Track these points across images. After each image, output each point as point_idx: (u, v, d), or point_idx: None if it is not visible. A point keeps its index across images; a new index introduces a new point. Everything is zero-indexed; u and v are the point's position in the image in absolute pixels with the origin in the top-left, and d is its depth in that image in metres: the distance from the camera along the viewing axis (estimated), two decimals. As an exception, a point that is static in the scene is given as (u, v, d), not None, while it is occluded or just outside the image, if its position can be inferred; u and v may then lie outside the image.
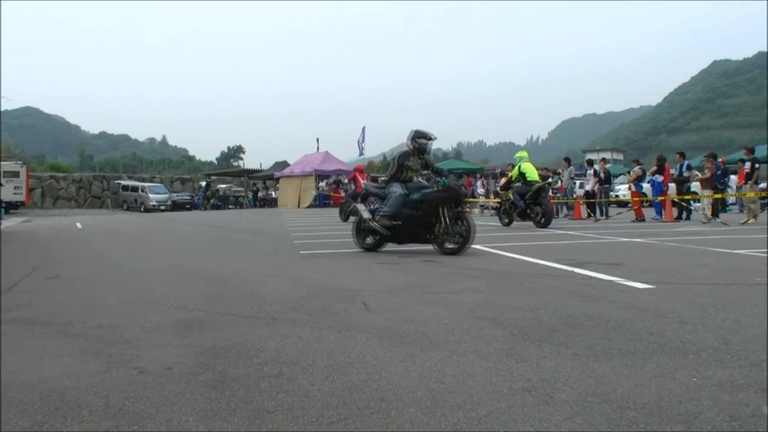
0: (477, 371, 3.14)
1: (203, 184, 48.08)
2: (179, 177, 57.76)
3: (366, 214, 9.32)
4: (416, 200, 8.86)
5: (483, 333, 3.94)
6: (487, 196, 26.48)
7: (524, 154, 16.85)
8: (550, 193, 19.80)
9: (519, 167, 15.86)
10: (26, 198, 39.00)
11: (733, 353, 3.35)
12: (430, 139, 9.35)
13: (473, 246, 9.71)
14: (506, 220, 15.96)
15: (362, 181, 15.46)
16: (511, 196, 15.63)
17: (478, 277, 6.42)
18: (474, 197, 26.20)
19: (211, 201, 44.53)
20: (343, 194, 36.40)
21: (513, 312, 4.55)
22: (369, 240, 9.49)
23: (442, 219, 8.63)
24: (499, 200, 17.53)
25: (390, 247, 10.07)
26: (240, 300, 5.44)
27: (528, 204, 15.11)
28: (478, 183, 28.32)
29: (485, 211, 24.41)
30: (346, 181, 38.43)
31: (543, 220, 14.76)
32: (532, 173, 15.64)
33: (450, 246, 8.65)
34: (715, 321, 4.11)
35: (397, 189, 9.14)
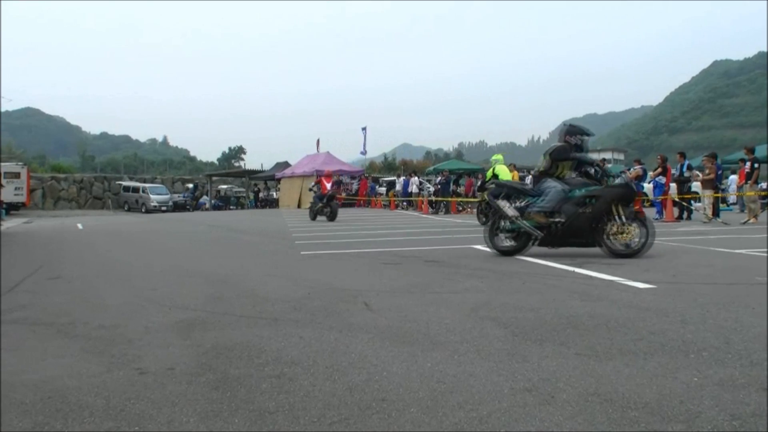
0: (478, 371, 3.14)
1: (190, 186, 48.30)
2: (180, 178, 57.88)
3: (511, 212, 8.37)
4: (583, 196, 8.09)
5: (485, 333, 3.94)
6: (488, 196, 26.48)
7: (499, 157, 17.53)
8: None
9: (493, 169, 16.47)
10: (27, 199, 38.89)
11: (734, 352, 3.35)
12: (588, 135, 8.80)
13: (472, 246, 9.70)
14: (484, 219, 16.24)
15: (502, 179, 15.09)
16: (486, 197, 15.87)
17: (480, 277, 6.41)
18: (475, 197, 26.25)
19: (200, 201, 44.86)
20: (344, 195, 36.53)
21: (515, 312, 4.55)
22: (508, 243, 8.52)
23: (617, 218, 7.94)
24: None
25: (391, 246, 10.06)
26: (241, 300, 5.45)
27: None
28: (479, 183, 28.32)
29: (486, 211, 24.40)
30: (347, 181, 38.65)
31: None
32: (506, 174, 16.28)
33: (622, 248, 7.88)
34: (717, 320, 4.10)
35: (555, 184, 8.33)
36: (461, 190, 27.62)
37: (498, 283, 6.04)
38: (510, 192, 8.78)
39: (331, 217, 19.80)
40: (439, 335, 3.91)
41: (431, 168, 43.78)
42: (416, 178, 31.80)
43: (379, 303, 5.07)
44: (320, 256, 9.12)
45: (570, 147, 8.58)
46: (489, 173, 16.75)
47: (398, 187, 32.40)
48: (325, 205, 20.11)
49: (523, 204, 8.43)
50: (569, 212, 8.06)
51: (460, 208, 25.85)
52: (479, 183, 18.09)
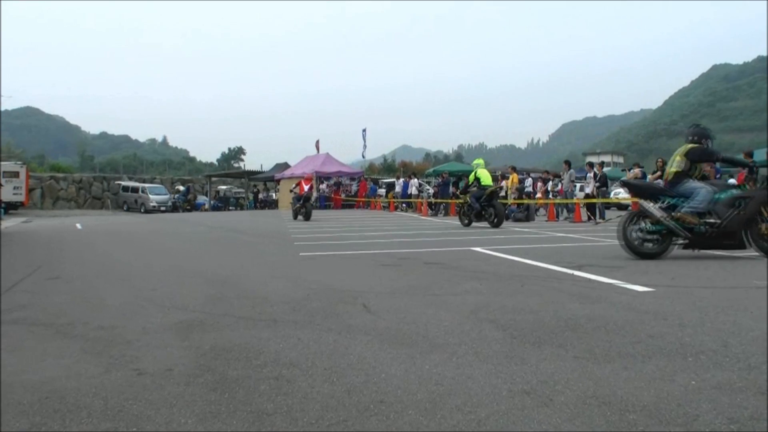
0: (477, 373, 3.14)
1: (182, 188, 48.22)
2: (180, 178, 57.93)
3: (659, 213, 8.06)
4: (735, 197, 7.93)
5: (483, 335, 3.94)
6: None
7: (480, 161, 18.58)
8: (539, 195, 20.76)
9: (475, 173, 17.12)
10: (26, 198, 39.03)
11: (732, 356, 3.35)
12: (713, 138, 8.66)
13: (472, 249, 9.72)
14: (466, 221, 17.01)
15: (484, 183, 16.67)
16: (468, 199, 16.87)
17: (479, 279, 6.42)
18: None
19: (199, 202, 44.81)
20: (343, 196, 36.51)
21: (513, 314, 4.55)
22: (650, 245, 8.14)
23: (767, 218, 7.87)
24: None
25: (390, 248, 10.06)
26: (241, 301, 5.45)
27: (483, 206, 16.34)
28: (464, 187, 28.54)
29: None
30: (347, 182, 38.63)
31: (496, 220, 16.07)
32: (486, 178, 16.98)
33: None
34: (715, 324, 4.10)
35: (702, 185, 8.17)
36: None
37: (497, 285, 6.04)
38: (649, 192, 8.58)
39: (306, 216, 20.92)
40: (438, 337, 3.91)
41: (431, 170, 43.88)
42: (416, 179, 31.88)
43: (378, 305, 5.07)
44: (319, 257, 9.13)
45: (709, 149, 8.48)
46: (471, 177, 17.31)
47: (398, 188, 32.42)
48: (302, 206, 21.32)
49: (664, 205, 8.21)
50: (723, 213, 7.90)
51: (459, 210, 25.83)
52: (462, 186, 18.85)
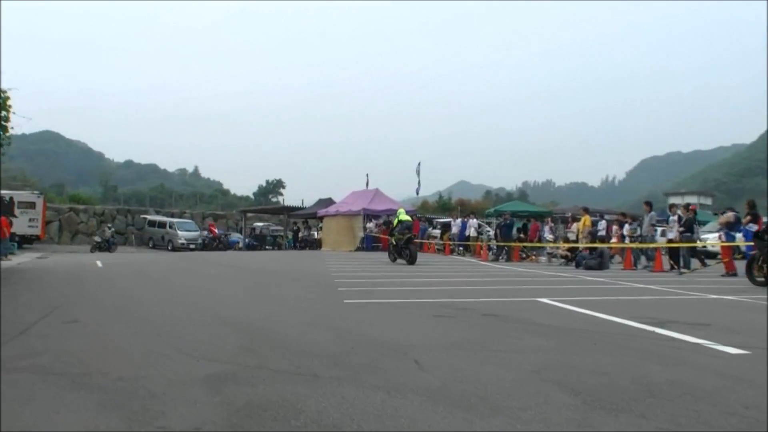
0: (543, 443, 3.07)
1: (216, 231, 47.00)
2: (212, 213, 58.58)
3: None
4: None
5: (550, 399, 3.86)
6: (555, 241, 26.18)
7: (401, 210, 24.24)
8: (614, 240, 22.95)
9: (398, 217, 22.19)
10: (42, 232, 39.11)
11: None
12: None
13: (537, 299, 9.57)
14: (392, 258, 21.73)
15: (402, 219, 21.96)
16: (394, 241, 21.79)
17: (543, 334, 6.31)
18: (541, 242, 26.00)
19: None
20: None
21: (585, 375, 4.44)
22: None
23: None
24: (568, 247, 22.72)
25: (444, 297, 10.00)
26: (277, 352, 5.45)
27: (401, 248, 21.21)
28: (546, 228, 28.01)
29: (552, 259, 24.06)
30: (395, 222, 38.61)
31: (410, 259, 20.71)
32: (405, 218, 22.25)
33: None
34: (823, 395, 3.92)
35: None
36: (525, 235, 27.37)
37: (565, 341, 5.93)
38: None
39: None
40: (499, 399, 3.85)
41: (491, 209, 43.68)
42: (474, 220, 31.65)
43: (430, 360, 5.02)
44: (365, 305, 9.12)
45: None
46: (395, 221, 22.40)
47: (454, 229, 32.26)
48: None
49: None
50: None
51: (524, 255, 25.61)
52: (390, 228, 24.44)
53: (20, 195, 38.28)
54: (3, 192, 37.68)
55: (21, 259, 24.43)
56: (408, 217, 23.12)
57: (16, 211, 34.80)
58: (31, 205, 38.13)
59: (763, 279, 13.49)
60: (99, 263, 21.36)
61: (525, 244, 25.91)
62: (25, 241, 35.85)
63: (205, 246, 42.44)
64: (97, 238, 36.09)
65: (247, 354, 5.39)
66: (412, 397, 3.91)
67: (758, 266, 14.33)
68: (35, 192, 41.13)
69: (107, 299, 10.39)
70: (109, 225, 43.72)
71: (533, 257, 25.24)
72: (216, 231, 44.16)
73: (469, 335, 6.34)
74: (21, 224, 34.82)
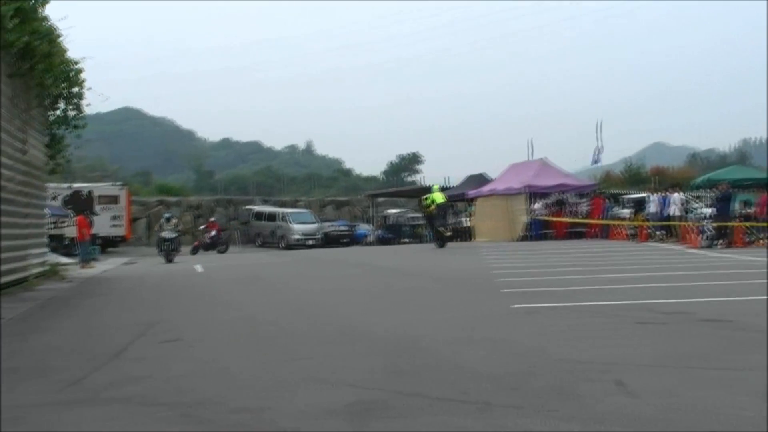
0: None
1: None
2: (333, 199, 56.81)
3: None
4: None
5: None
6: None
7: (436, 187, 28.00)
8: None
9: (434, 201, 25.73)
10: (128, 232, 39.06)
11: None
12: None
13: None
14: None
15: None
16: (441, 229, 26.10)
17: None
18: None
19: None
20: (568, 220, 35.89)
21: None
22: None
23: None
24: None
25: (644, 297, 9.70)
26: (433, 374, 5.31)
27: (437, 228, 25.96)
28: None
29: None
30: (573, 201, 37.74)
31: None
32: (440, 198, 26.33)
33: None
34: None
35: None
36: (751, 210, 26.10)
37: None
38: None
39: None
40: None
41: (700, 178, 41.89)
42: (678, 194, 30.41)
43: (638, 382, 4.77)
44: (538, 310, 8.89)
45: None
46: (430, 205, 25.83)
47: (651, 208, 31.19)
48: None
49: None
50: None
51: (750, 239, 24.42)
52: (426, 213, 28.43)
53: (100, 188, 38.82)
54: (80, 185, 37.95)
55: (105, 266, 24.52)
56: (445, 198, 25.67)
57: (97, 208, 36.55)
58: (114, 200, 38.55)
59: None
60: (198, 268, 21.60)
61: (752, 223, 24.74)
62: (108, 244, 36.45)
63: (328, 241, 41.43)
64: (165, 234, 30.08)
65: (396, 377, 5.26)
66: (618, 430, 3.78)
67: None
68: (117, 183, 41.40)
69: (213, 313, 10.42)
70: (168, 214, 33.68)
71: (762, 241, 24.00)
72: (216, 229, 38.54)
73: (686, 348, 6.15)
74: (103, 223, 35.55)
